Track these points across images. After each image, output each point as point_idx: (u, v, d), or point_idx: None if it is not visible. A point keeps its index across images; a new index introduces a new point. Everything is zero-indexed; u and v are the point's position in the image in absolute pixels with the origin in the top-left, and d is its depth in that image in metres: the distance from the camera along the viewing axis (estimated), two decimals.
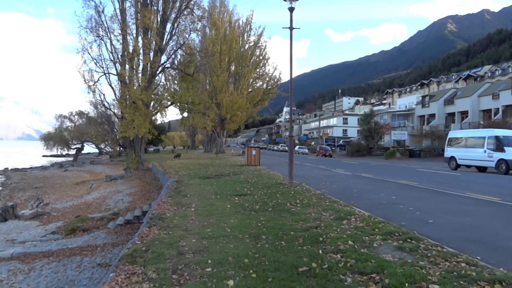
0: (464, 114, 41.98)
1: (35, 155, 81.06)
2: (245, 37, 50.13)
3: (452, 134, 24.46)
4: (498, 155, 19.22)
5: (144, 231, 6.73)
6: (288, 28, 11.08)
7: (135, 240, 6.07)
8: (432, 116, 46.55)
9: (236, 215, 7.21)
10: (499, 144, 19.31)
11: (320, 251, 4.45)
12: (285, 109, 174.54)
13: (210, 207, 8.26)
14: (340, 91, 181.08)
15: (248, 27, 49.50)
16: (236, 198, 9.16)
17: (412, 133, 46.07)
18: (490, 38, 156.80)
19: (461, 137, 23.06)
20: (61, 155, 68.64)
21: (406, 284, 3.25)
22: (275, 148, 79.53)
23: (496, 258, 4.08)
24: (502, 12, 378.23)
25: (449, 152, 23.24)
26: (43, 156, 75.30)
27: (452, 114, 43.82)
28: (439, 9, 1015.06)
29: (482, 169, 21.42)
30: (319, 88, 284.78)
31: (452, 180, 13.96)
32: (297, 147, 65.96)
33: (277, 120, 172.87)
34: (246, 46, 49.78)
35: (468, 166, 22.31)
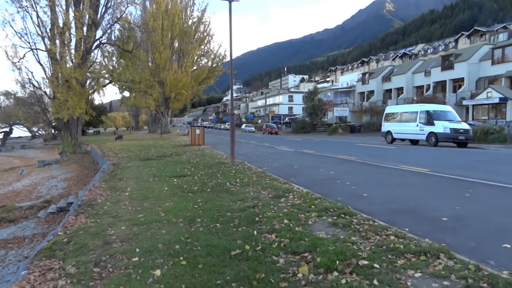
0: (400, 90, 44.35)
1: None
2: (188, 12, 48.23)
3: (388, 109, 25.68)
4: (428, 129, 20.52)
5: (69, 220, 6.17)
6: (227, 0, 10.60)
7: (57, 231, 5.54)
8: (372, 92, 48.68)
9: (173, 197, 6.88)
10: (430, 118, 20.60)
11: (255, 232, 4.31)
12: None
13: (146, 191, 7.82)
14: (285, 69, 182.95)
15: (191, 1, 47.64)
16: (175, 180, 8.79)
17: (353, 110, 47.92)
18: (424, 18, 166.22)
19: (397, 112, 24.29)
20: None
21: (337, 262, 3.20)
22: (222, 127, 78.95)
23: (422, 228, 4.21)
24: None
25: (385, 126, 24.43)
26: None
27: (389, 91, 46.11)
28: None
29: (414, 142, 22.82)
30: (266, 66, 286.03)
31: (387, 154, 14.65)
32: (244, 125, 66.12)
33: (224, 99, 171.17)
34: (190, 22, 48.00)
35: (403, 140, 23.65)
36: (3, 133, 55.28)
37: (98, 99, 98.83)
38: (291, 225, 4.42)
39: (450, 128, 19.53)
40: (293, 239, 3.93)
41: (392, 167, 9.65)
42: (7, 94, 52.45)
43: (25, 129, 57.17)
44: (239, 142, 25.01)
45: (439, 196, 5.95)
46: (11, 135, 60.06)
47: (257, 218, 4.87)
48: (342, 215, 4.66)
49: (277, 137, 37.41)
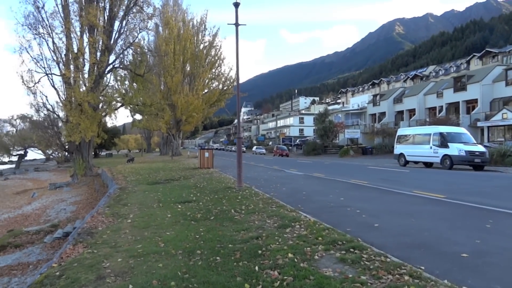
0: (412, 111, 43.84)
1: None
2: (200, 37, 49.19)
3: (400, 131, 25.23)
4: (442, 151, 19.97)
5: (66, 250, 5.93)
6: (234, 24, 10.62)
7: (52, 263, 5.30)
8: (383, 114, 48.22)
9: (175, 226, 6.60)
10: (443, 141, 20.08)
11: (257, 268, 3.98)
12: (243, 109, 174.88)
13: (148, 218, 7.57)
14: (296, 91, 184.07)
15: (203, 26, 48.60)
16: (179, 206, 8.53)
17: (364, 131, 47.44)
18: (434, 40, 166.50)
19: (409, 134, 23.81)
20: (3, 162, 63.79)
21: None
22: (233, 148, 78.95)
23: (440, 266, 3.82)
24: (444, 16, 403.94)
25: (398, 149, 23.93)
26: None
27: (401, 112, 45.61)
28: (387, 12, 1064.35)
29: (428, 165, 22.22)
30: (277, 89, 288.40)
31: (400, 178, 14.17)
32: (255, 147, 66.07)
33: (235, 121, 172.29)
34: (201, 46, 48.87)
35: (416, 162, 23.07)
36: (18, 156, 56.16)
37: (111, 122, 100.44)
38: (295, 260, 4.09)
39: (465, 151, 18.96)
40: (297, 277, 3.60)
41: (405, 193, 9.20)
42: (23, 117, 53.73)
43: (39, 151, 58.13)
44: (248, 165, 24.74)
45: (456, 227, 5.52)
46: (26, 158, 61.08)
47: (260, 251, 4.55)
48: (351, 249, 4.30)
49: (287, 160, 37.04)
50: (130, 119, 52.13)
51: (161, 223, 6.91)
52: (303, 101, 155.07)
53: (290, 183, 12.02)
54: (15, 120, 54.79)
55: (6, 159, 60.05)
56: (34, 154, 63.58)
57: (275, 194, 9.36)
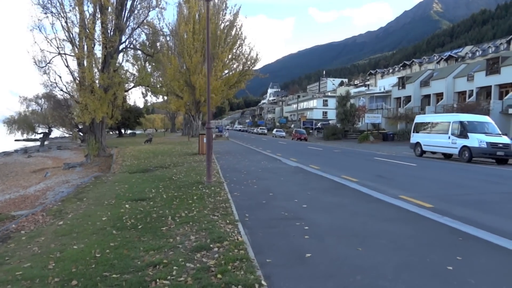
0: (439, 96, 40.91)
1: (7, 140, 77.83)
2: (221, 15, 47.81)
3: (418, 118, 23.29)
4: (461, 142, 18.11)
5: None
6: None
7: None
8: (408, 98, 45.40)
9: (93, 236, 5.70)
10: (463, 130, 18.18)
11: None
12: (269, 90, 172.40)
13: (81, 220, 6.75)
14: (324, 72, 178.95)
15: (224, 5, 47.09)
16: (127, 206, 7.64)
17: (387, 116, 44.99)
18: (474, 19, 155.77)
19: (428, 122, 21.91)
20: (33, 140, 65.92)
21: None
22: (255, 131, 77.89)
23: None
24: None
25: (414, 137, 22.12)
26: (16, 140, 72.28)
27: (428, 96, 42.71)
28: None
29: (447, 156, 20.43)
30: (306, 69, 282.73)
31: (400, 174, 12.64)
32: (275, 130, 65.03)
33: (261, 102, 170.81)
34: (222, 26, 47.58)
35: (434, 153, 21.26)
36: (42, 134, 57.83)
37: (140, 102, 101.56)
38: None
39: (487, 142, 17.04)
40: None
41: (386, 200, 7.67)
42: (47, 96, 54.72)
43: (64, 129, 59.45)
44: (251, 151, 23.71)
45: (409, 266, 4.03)
46: (56, 135, 62.68)
47: None
48: None
49: (301, 145, 35.64)
50: (157, 99, 51.91)
51: (84, 230, 6.05)
52: (331, 83, 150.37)
53: (269, 179, 10.82)
54: (40, 99, 56.08)
55: (35, 137, 61.98)
56: (60, 132, 65.13)
57: (238, 194, 8.28)
